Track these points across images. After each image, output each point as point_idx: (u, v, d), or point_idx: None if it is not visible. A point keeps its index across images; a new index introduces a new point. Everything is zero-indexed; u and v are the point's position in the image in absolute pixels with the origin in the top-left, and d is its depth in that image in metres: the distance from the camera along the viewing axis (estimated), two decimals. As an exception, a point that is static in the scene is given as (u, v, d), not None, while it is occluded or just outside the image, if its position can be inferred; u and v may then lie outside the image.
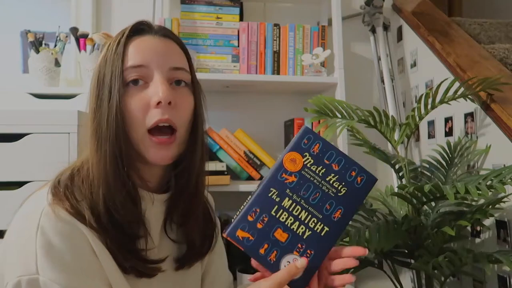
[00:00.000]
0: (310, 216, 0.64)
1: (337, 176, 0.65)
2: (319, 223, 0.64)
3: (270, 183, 0.65)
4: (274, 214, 0.64)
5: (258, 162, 1.50)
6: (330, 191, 0.65)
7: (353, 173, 0.65)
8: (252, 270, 1.36)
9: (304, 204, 0.65)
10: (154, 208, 0.67)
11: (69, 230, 0.55)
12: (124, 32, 0.63)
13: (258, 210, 0.64)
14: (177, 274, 0.71)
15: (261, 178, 1.51)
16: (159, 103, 0.59)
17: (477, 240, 1.20)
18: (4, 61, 1.64)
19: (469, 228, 1.23)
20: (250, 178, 1.52)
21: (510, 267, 0.88)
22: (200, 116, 0.67)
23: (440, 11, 1.68)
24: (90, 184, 0.60)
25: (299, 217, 0.64)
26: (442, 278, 1.05)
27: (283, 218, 0.64)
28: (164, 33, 0.65)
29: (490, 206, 1.00)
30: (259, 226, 0.63)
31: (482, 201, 1.10)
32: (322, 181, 0.65)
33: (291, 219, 0.64)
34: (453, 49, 1.38)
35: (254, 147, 1.51)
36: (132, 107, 0.60)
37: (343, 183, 0.65)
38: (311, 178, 0.65)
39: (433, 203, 1.17)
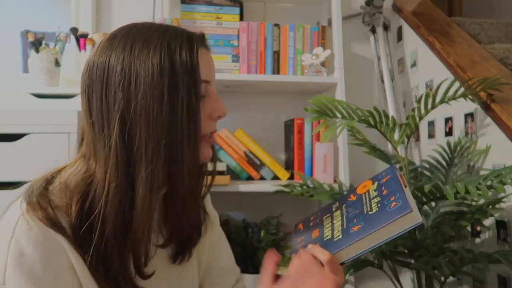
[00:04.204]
0: (340, 225, 0.69)
1: (379, 199, 0.68)
2: (340, 231, 0.68)
3: (340, 199, 0.78)
4: (324, 219, 0.75)
5: (258, 162, 1.50)
6: (366, 209, 0.68)
7: (392, 198, 0.65)
8: (252, 270, 1.37)
9: (344, 217, 0.71)
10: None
11: (43, 240, 0.54)
12: (193, 40, 0.61)
13: (319, 214, 0.79)
14: (173, 269, 0.71)
15: (261, 178, 1.51)
16: (219, 116, 0.65)
17: (477, 240, 1.20)
18: (4, 61, 1.64)
19: (469, 228, 1.23)
20: (250, 178, 1.52)
21: (510, 267, 0.88)
22: None
23: (440, 11, 1.68)
24: (102, 203, 0.57)
25: (334, 224, 0.71)
26: (442, 278, 1.05)
27: (325, 223, 0.74)
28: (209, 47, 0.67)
29: (490, 206, 1.00)
30: (311, 224, 0.77)
31: (482, 201, 1.10)
32: (368, 201, 0.69)
33: (328, 224, 0.72)
34: (453, 49, 1.38)
35: (254, 147, 1.51)
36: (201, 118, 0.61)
37: (379, 205, 0.66)
38: (364, 199, 0.71)
39: (433, 203, 1.17)
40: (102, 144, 0.57)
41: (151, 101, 0.56)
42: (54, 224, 0.55)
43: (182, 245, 0.71)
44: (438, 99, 1.09)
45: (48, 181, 0.60)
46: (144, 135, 0.56)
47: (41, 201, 0.56)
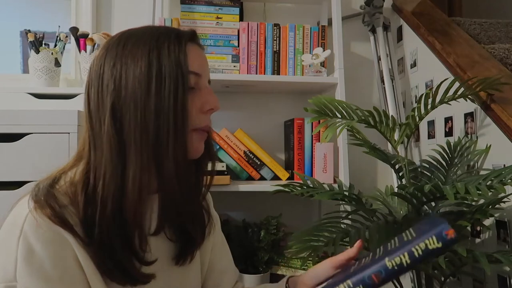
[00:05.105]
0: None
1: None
2: None
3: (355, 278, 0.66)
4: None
5: (258, 162, 1.50)
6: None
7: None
8: (252, 270, 1.37)
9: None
10: (150, 209, 0.68)
11: (52, 237, 0.55)
12: (183, 35, 0.64)
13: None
14: (175, 270, 0.71)
15: (261, 178, 1.51)
16: (210, 109, 0.66)
17: (477, 240, 1.20)
18: (4, 61, 1.64)
19: (469, 228, 1.23)
20: (250, 178, 1.52)
21: (510, 267, 0.88)
22: None
23: (440, 11, 1.68)
24: (101, 198, 0.59)
25: None
26: (442, 278, 1.05)
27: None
28: (202, 46, 0.70)
29: (490, 206, 1.00)
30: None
31: (482, 201, 1.10)
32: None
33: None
34: (453, 49, 1.38)
35: (254, 147, 1.51)
36: (189, 110, 0.63)
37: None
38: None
39: (433, 203, 1.17)
40: (98, 132, 0.61)
41: (139, 91, 0.59)
42: (62, 221, 0.56)
43: (185, 246, 0.72)
44: (438, 99, 1.09)
45: (54, 180, 0.62)
46: (133, 123, 0.59)
47: (49, 199, 0.57)
